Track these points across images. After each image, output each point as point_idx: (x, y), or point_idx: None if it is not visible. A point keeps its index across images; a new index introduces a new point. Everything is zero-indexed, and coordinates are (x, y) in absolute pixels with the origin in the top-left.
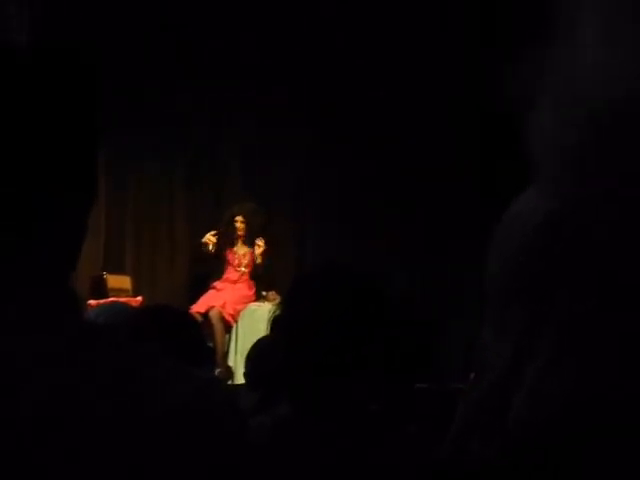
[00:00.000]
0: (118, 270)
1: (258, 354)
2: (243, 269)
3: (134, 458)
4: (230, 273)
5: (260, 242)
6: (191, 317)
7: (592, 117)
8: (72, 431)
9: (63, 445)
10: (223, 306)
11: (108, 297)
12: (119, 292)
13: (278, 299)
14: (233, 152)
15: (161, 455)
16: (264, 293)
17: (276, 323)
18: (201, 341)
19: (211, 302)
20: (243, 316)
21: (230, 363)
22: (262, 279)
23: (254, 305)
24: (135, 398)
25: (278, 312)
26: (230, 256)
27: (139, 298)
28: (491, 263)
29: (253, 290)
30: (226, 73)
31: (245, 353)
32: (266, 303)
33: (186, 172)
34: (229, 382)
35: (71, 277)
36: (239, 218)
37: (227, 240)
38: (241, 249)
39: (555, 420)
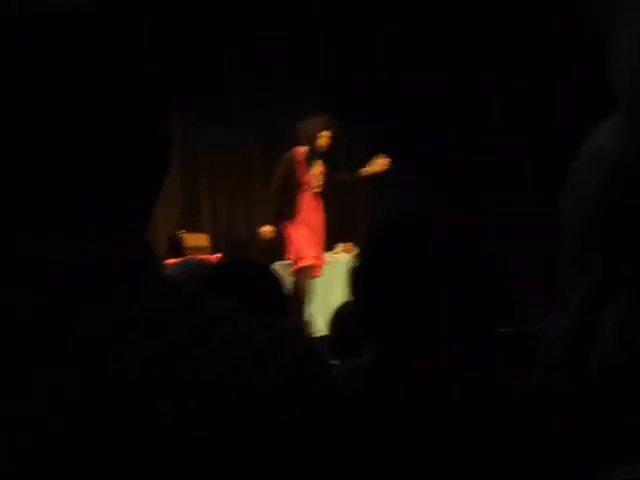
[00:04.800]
0: (195, 228)
1: (342, 321)
2: (317, 190)
3: (226, 408)
4: (306, 199)
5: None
6: (270, 270)
7: None
8: (166, 393)
9: (159, 408)
10: (317, 262)
11: (186, 256)
12: (197, 250)
13: (355, 251)
14: (306, 104)
15: (253, 405)
16: (340, 245)
17: (354, 275)
18: (282, 294)
19: (308, 255)
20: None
21: (309, 315)
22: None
23: (331, 257)
24: (220, 348)
25: (355, 264)
26: (305, 175)
27: (218, 255)
28: (565, 204)
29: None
30: (295, 31)
31: (322, 306)
32: (343, 254)
33: (259, 128)
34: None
35: (147, 236)
36: (326, 133)
37: (304, 159)
38: (316, 167)
39: (630, 373)
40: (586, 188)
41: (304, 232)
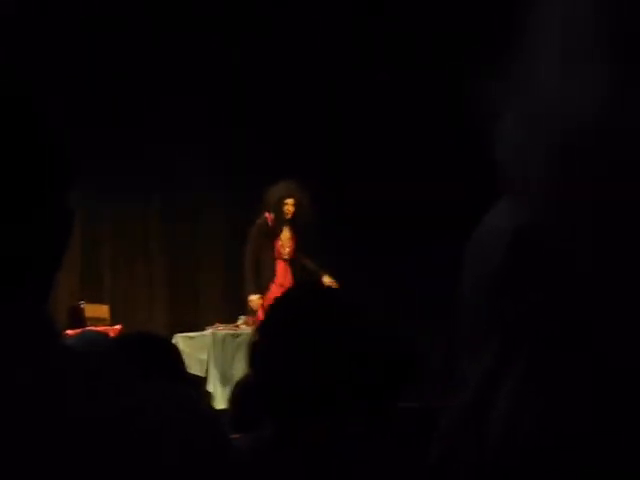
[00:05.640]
0: (96, 300)
1: (242, 395)
2: (286, 257)
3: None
4: (279, 267)
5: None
6: (171, 344)
7: (554, 135)
8: (56, 459)
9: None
10: None
11: (86, 327)
12: (97, 321)
13: (257, 324)
14: (211, 182)
15: (149, 472)
16: (242, 317)
17: (254, 349)
18: (182, 368)
19: None
20: (222, 342)
21: (209, 389)
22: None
23: (232, 330)
24: (123, 415)
25: (255, 338)
26: (276, 243)
27: (118, 326)
28: (463, 284)
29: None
30: (196, 105)
31: (224, 379)
32: (244, 327)
33: (162, 200)
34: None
35: (48, 307)
36: (290, 201)
37: (273, 227)
38: (285, 234)
39: (528, 442)
40: (482, 265)
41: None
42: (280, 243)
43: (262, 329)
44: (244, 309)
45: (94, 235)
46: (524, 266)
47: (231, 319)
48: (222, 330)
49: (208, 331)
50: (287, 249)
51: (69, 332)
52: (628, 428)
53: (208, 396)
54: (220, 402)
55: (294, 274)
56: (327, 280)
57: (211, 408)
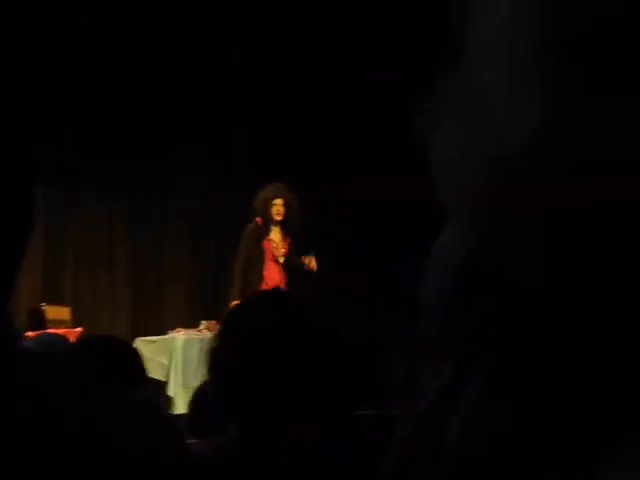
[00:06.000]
0: (57, 301)
1: (201, 400)
2: (281, 259)
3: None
4: (271, 269)
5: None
6: (132, 347)
7: (493, 160)
8: (29, 456)
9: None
10: None
11: (47, 329)
12: (58, 323)
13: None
14: (175, 186)
15: (107, 476)
16: (204, 322)
17: (214, 355)
18: (141, 371)
19: None
20: (184, 346)
21: (170, 394)
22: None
23: (194, 335)
24: (83, 415)
25: (214, 344)
26: (267, 245)
27: (79, 329)
28: (422, 296)
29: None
30: (167, 106)
31: (184, 384)
32: (205, 332)
33: (126, 203)
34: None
35: (7, 308)
36: (279, 201)
37: (264, 230)
38: (277, 236)
39: (481, 450)
40: (436, 280)
41: None
42: (274, 245)
43: (224, 333)
44: (207, 314)
45: (57, 236)
46: (474, 276)
47: (193, 324)
48: (184, 335)
49: (170, 335)
50: (282, 250)
51: (29, 334)
52: (579, 436)
53: (168, 401)
54: (180, 407)
55: (289, 276)
56: (308, 260)
57: (170, 413)
